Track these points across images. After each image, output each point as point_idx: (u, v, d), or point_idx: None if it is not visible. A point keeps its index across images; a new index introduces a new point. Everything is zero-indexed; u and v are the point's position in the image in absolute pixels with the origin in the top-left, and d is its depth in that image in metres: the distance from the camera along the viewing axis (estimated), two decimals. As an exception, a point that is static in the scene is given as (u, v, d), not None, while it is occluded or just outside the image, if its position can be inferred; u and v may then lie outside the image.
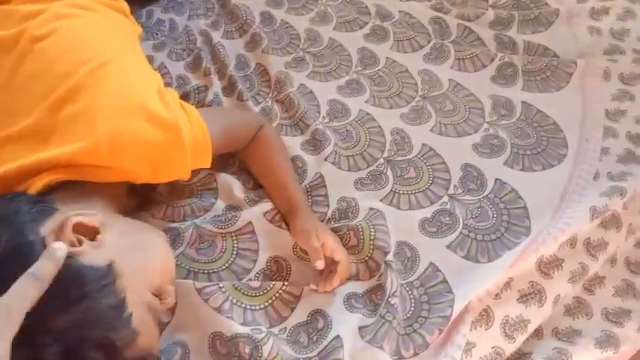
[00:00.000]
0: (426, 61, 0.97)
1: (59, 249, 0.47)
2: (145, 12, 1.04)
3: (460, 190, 0.81)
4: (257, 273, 0.69)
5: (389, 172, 0.81)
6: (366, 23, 1.00)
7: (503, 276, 0.71)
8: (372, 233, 0.72)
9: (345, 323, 0.64)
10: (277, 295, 0.66)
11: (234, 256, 0.69)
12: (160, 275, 0.58)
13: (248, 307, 0.64)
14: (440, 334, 0.66)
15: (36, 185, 0.56)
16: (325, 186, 0.78)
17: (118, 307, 0.51)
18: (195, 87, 0.90)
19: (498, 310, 0.70)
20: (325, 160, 0.81)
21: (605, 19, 1.06)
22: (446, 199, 0.79)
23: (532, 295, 0.72)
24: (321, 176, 0.79)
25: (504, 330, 0.69)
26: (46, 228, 0.52)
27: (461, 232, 0.76)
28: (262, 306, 0.65)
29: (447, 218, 0.77)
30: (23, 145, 0.59)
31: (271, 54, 0.93)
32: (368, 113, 0.88)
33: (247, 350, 0.60)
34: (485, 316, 0.69)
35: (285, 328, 0.64)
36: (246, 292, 0.65)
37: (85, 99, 0.59)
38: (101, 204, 0.60)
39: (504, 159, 0.85)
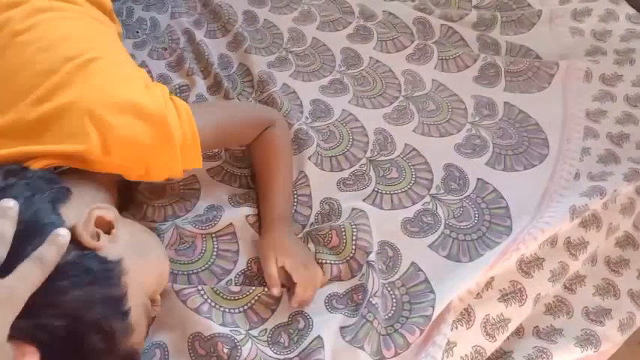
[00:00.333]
0: (410, 62, 0.97)
1: (63, 235, 0.47)
2: (125, 9, 1.03)
3: (442, 190, 0.81)
4: (237, 274, 0.68)
5: (372, 172, 0.81)
6: (350, 23, 1.00)
7: (484, 275, 0.71)
8: (355, 233, 0.72)
9: (326, 324, 0.64)
10: (257, 297, 0.65)
11: (214, 257, 0.69)
12: (156, 281, 0.58)
13: (227, 310, 0.64)
14: (421, 333, 0.65)
15: (33, 167, 0.55)
16: (309, 185, 0.78)
17: (120, 300, 0.51)
18: (177, 86, 0.90)
19: (479, 310, 0.70)
20: (308, 159, 0.80)
21: (587, 20, 1.07)
22: (428, 199, 0.80)
23: (513, 294, 0.72)
24: (305, 175, 0.79)
25: (485, 329, 0.69)
26: (64, 211, 0.52)
27: (442, 232, 0.76)
28: (242, 309, 0.65)
29: (429, 218, 0.77)
30: (5, 141, 0.58)
31: (254, 54, 0.93)
32: (351, 113, 0.88)
33: (226, 350, 0.60)
34: (466, 316, 0.69)
35: (266, 330, 0.64)
36: (225, 296, 0.65)
37: (70, 95, 0.58)
38: (101, 196, 0.60)
39: (486, 159, 0.85)
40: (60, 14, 0.69)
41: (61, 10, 0.70)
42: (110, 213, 0.55)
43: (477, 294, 0.71)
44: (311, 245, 0.72)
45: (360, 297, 0.67)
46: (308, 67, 0.93)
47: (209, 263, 0.69)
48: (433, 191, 0.80)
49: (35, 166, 0.55)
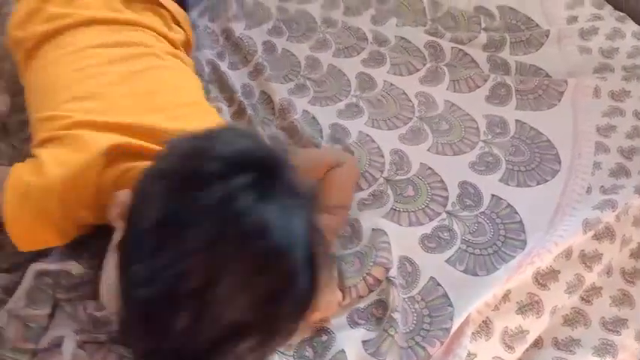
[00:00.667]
0: (422, 84, 1.01)
1: None
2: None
3: (458, 207, 0.84)
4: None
5: (389, 191, 0.85)
6: (364, 49, 1.04)
7: (501, 288, 0.74)
8: (375, 253, 0.76)
9: (349, 338, 0.67)
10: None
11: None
12: None
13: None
14: (441, 345, 0.68)
15: None
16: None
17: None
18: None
19: (498, 322, 0.72)
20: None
21: (594, 38, 1.10)
22: (444, 215, 0.83)
23: (530, 306, 0.74)
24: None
25: (504, 340, 0.72)
26: None
27: (459, 247, 0.79)
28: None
29: (446, 234, 0.80)
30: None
31: (274, 82, 0.98)
32: (367, 135, 0.91)
33: (255, 365, 0.63)
34: (484, 328, 0.72)
35: (291, 345, 0.67)
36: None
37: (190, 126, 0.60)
38: None
39: (500, 176, 0.88)
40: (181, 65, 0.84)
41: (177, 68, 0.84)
42: None
43: (495, 306, 0.74)
44: (335, 270, 0.75)
45: (380, 312, 0.70)
46: (325, 93, 0.98)
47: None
48: (449, 208, 0.83)
49: None
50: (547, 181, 0.88)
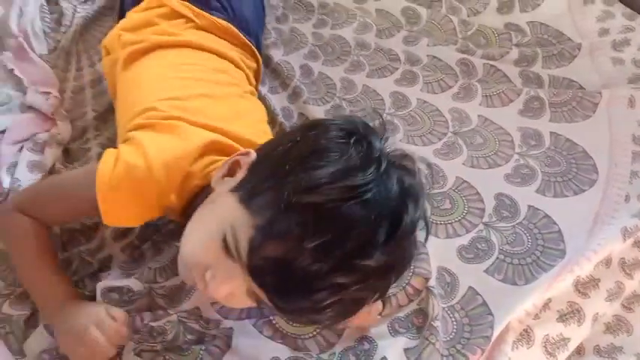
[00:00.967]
0: (455, 100, 1.03)
1: None
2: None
3: (495, 218, 0.85)
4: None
5: (426, 205, 0.87)
6: (397, 69, 1.08)
7: (541, 297, 0.75)
8: (413, 263, 0.78)
9: (390, 346, 0.69)
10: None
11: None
12: None
13: (299, 336, 0.70)
14: (482, 353, 0.69)
15: None
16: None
17: None
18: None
19: (538, 330, 0.73)
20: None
21: (626, 49, 1.11)
22: (481, 227, 0.84)
23: (571, 314, 0.75)
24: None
25: (546, 348, 0.73)
26: None
27: (497, 257, 0.80)
28: (312, 335, 0.71)
29: (484, 245, 0.82)
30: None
31: (311, 104, 1.02)
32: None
33: (301, 370, 0.66)
34: (525, 336, 0.73)
35: (334, 353, 0.70)
36: (295, 325, 0.71)
37: None
38: None
39: (536, 187, 0.89)
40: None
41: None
42: None
43: (535, 315, 0.74)
44: None
45: (420, 320, 0.72)
46: (360, 112, 1.01)
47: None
48: (486, 219, 0.85)
49: None
50: (584, 191, 0.88)
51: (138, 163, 0.66)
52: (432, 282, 0.75)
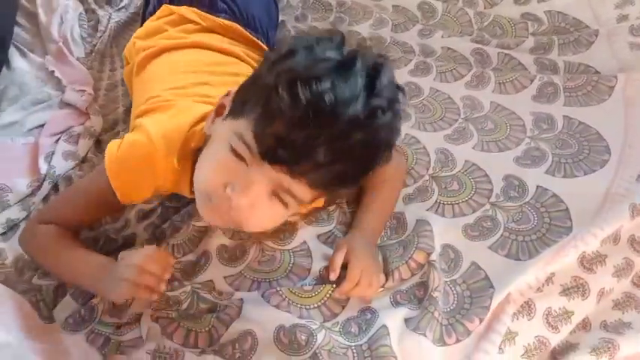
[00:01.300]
0: (468, 88, 1.05)
1: None
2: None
3: (502, 198, 0.87)
4: (310, 280, 0.78)
5: (434, 186, 0.89)
6: (410, 60, 1.11)
7: (543, 270, 0.75)
8: (417, 239, 0.80)
9: (391, 316, 0.72)
10: (329, 295, 0.75)
11: (290, 266, 0.80)
12: None
13: (303, 306, 0.74)
14: (480, 322, 0.71)
15: None
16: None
17: None
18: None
19: (540, 303, 0.74)
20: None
21: (645, 34, 1.10)
22: (487, 206, 0.86)
23: (575, 288, 0.75)
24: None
25: (547, 320, 0.73)
26: None
27: (502, 235, 0.82)
28: (316, 305, 0.74)
29: (489, 223, 0.84)
30: None
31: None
32: (413, 137, 0.97)
33: (303, 337, 0.69)
34: (526, 308, 0.73)
35: (338, 322, 0.73)
36: (300, 295, 0.75)
37: None
38: None
39: (546, 168, 0.90)
40: None
41: None
42: None
43: (538, 289, 0.75)
44: (380, 259, 0.81)
45: (421, 293, 0.75)
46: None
47: (286, 271, 0.79)
48: (493, 199, 0.87)
49: None
50: (595, 171, 0.88)
51: (139, 138, 0.73)
52: (434, 257, 0.78)
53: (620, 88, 1.00)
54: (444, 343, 0.70)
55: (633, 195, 0.82)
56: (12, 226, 0.83)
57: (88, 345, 0.71)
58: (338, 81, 0.60)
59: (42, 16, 1.13)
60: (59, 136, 0.94)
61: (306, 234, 0.83)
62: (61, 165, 0.90)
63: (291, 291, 0.75)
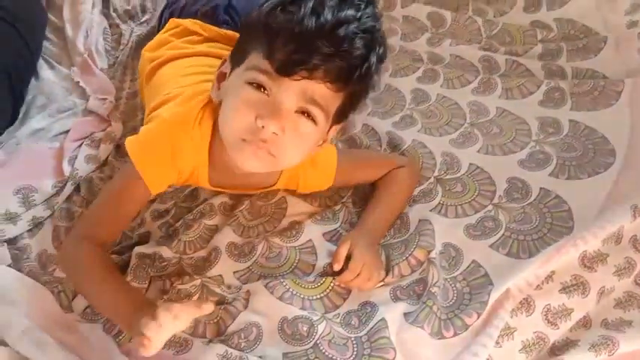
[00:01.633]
0: (475, 94, 1.08)
1: None
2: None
3: (505, 200, 0.88)
4: (316, 275, 0.81)
5: (438, 188, 0.92)
6: (419, 68, 1.14)
7: (543, 268, 0.77)
8: (418, 237, 0.83)
9: (391, 309, 0.74)
10: (331, 287, 0.78)
11: (296, 262, 0.83)
12: None
13: (306, 297, 0.77)
14: (478, 317, 0.73)
15: None
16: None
17: None
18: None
19: (540, 300, 0.75)
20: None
21: (655, 40, 1.11)
22: (490, 207, 0.88)
23: (575, 286, 0.76)
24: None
25: (546, 317, 0.74)
26: None
27: (503, 234, 0.83)
28: (319, 296, 0.77)
29: (491, 223, 0.85)
30: None
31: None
32: (420, 142, 1.00)
33: (305, 329, 0.72)
34: (525, 305, 0.75)
35: (339, 314, 0.76)
36: (303, 285, 0.78)
37: None
38: None
39: (550, 170, 0.91)
40: None
41: None
42: None
43: (537, 286, 0.76)
44: (383, 257, 0.83)
45: (420, 289, 0.77)
46: (383, 108, 1.08)
47: (292, 267, 0.83)
48: (495, 201, 0.88)
49: None
50: (599, 173, 0.90)
51: (155, 123, 0.79)
52: (434, 254, 0.80)
53: (628, 92, 1.01)
54: (442, 337, 0.72)
55: (635, 196, 0.83)
56: (37, 224, 0.89)
57: (104, 333, 0.75)
58: None
59: (69, 31, 1.20)
60: (82, 141, 1.00)
61: (312, 232, 0.86)
62: (84, 168, 0.95)
63: (294, 282, 0.78)
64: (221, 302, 0.78)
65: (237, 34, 0.99)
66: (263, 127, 0.68)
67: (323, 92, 0.69)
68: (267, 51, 0.68)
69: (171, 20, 1.10)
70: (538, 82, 1.07)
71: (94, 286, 0.74)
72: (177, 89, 0.87)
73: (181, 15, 1.10)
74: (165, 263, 0.82)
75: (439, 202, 0.90)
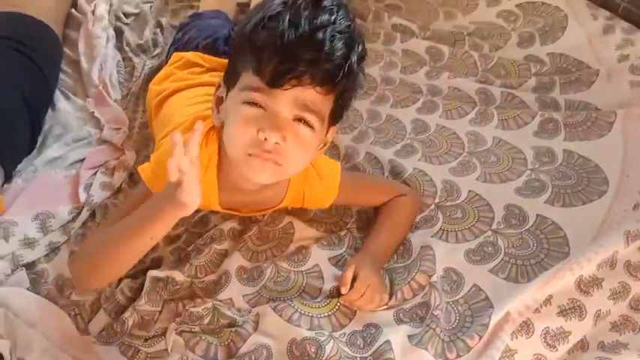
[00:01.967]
0: (472, 125, 1.12)
1: None
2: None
3: (503, 226, 0.92)
4: (322, 298, 0.85)
5: (439, 215, 0.96)
6: (418, 99, 1.19)
7: (541, 292, 0.80)
8: (420, 262, 0.86)
9: (395, 332, 0.77)
10: (337, 307, 0.81)
11: (303, 286, 0.86)
12: None
13: (314, 315, 0.80)
14: (480, 339, 0.76)
15: None
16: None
17: None
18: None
19: (538, 322, 0.78)
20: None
21: (645, 73, 1.16)
22: (489, 233, 0.91)
23: (572, 310, 0.80)
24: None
25: (545, 340, 0.77)
26: None
27: (502, 259, 0.87)
28: (326, 314, 0.81)
29: (490, 248, 0.89)
30: None
31: (340, 133, 1.14)
32: (421, 170, 1.04)
33: (313, 350, 0.75)
34: (525, 327, 0.78)
35: (345, 333, 0.79)
36: (311, 306, 0.81)
37: None
38: None
39: (545, 198, 0.95)
40: None
41: None
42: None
43: (536, 309, 0.80)
44: (387, 281, 0.87)
45: (423, 312, 0.80)
46: (384, 137, 1.12)
47: (300, 291, 0.86)
48: (494, 227, 0.92)
49: None
50: (593, 200, 0.94)
51: (164, 149, 0.82)
52: (435, 278, 0.83)
53: (620, 122, 1.06)
54: (446, 358, 0.75)
55: (628, 223, 0.87)
56: (54, 249, 0.92)
57: (119, 355, 0.78)
58: (291, 8, 0.72)
59: (84, 64, 1.25)
60: (97, 169, 1.04)
61: (319, 257, 0.89)
62: (99, 194, 0.99)
63: (302, 303, 0.82)
64: (232, 324, 0.81)
65: None
66: (266, 139, 0.73)
67: (313, 97, 0.73)
68: (255, 67, 0.72)
69: (174, 54, 1.15)
70: (532, 114, 1.11)
71: (119, 232, 0.76)
72: (183, 117, 0.92)
73: (185, 49, 1.15)
74: (178, 287, 0.86)
75: (440, 228, 0.93)
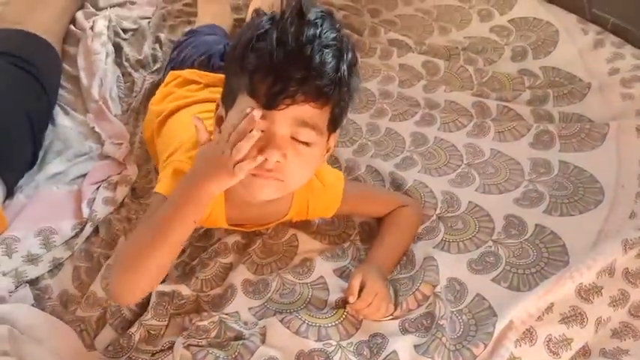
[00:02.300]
0: (470, 137, 1.14)
1: None
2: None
3: (503, 236, 0.94)
4: (328, 309, 0.85)
5: (441, 225, 0.97)
6: (417, 112, 1.21)
7: (543, 300, 0.82)
8: (423, 273, 0.88)
9: (401, 342, 0.79)
10: (344, 317, 0.83)
11: (309, 297, 0.87)
12: None
13: (322, 325, 0.81)
14: (485, 347, 0.77)
15: None
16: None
17: None
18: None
19: (541, 330, 0.80)
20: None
21: (636, 85, 1.19)
22: (490, 243, 0.93)
23: (573, 317, 0.81)
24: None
25: (548, 347, 0.79)
26: None
27: (504, 268, 0.89)
28: (334, 323, 0.82)
29: (492, 258, 0.91)
30: None
31: (340, 146, 1.15)
32: (421, 182, 1.05)
33: (322, 360, 0.76)
34: (528, 335, 0.79)
35: (352, 343, 0.80)
36: (318, 316, 0.82)
37: None
38: None
39: (544, 208, 0.97)
40: None
41: None
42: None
43: (538, 317, 0.81)
44: (392, 292, 0.88)
45: (428, 322, 0.81)
46: (384, 151, 1.14)
47: (305, 303, 0.87)
48: (495, 237, 0.94)
49: None
50: (589, 210, 0.96)
51: (174, 167, 0.83)
52: (439, 288, 0.85)
53: (613, 134, 1.08)
54: (452, 367, 0.76)
55: (625, 231, 0.89)
56: (57, 265, 0.92)
57: (126, 370, 0.78)
58: (277, 25, 0.73)
59: (83, 79, 1.26)
60: (99, 184, 1.04)
61: (323, 269, 0.90)
62: (101, 210, 1.00)
63: (309, 314, 0.82)
64: (239, 337, 0.81)
65: None
66: (267, 159, 0.74)
67: (310, 113, 0.74)
68: (250, 90, 0.73)
69: (170, 73, 1.16)
70: (528, 126, 1.14)
71: (155, 226, 0.74)
72: (187, 135, 0.93)
73: (181, 67, 1.17)
74: (184, 301, 0.86)
75: (442, 239, 0.95)
